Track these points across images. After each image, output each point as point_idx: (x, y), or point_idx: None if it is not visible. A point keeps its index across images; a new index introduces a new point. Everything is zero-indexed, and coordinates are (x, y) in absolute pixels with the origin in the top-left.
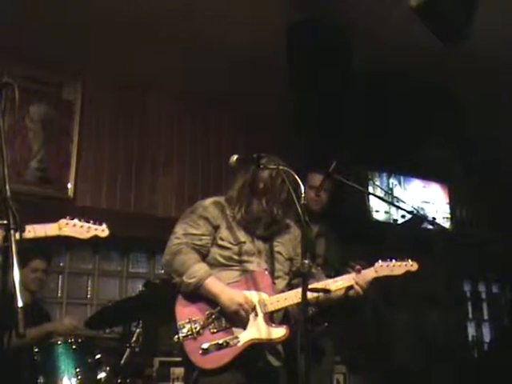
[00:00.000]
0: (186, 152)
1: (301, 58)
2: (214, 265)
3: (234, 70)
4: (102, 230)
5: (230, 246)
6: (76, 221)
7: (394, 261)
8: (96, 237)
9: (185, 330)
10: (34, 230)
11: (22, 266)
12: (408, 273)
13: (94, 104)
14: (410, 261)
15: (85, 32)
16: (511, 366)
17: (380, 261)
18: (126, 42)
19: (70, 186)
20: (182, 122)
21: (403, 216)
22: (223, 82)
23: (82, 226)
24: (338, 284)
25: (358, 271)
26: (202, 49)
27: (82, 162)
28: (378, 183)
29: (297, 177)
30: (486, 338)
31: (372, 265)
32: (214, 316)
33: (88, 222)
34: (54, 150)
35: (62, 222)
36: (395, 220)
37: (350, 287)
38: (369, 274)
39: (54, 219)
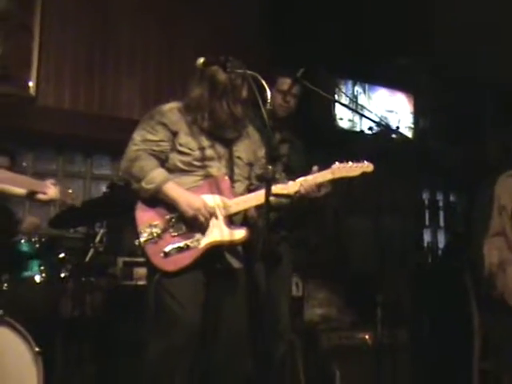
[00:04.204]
0: (151, 52)
1: None
2: (174, 170)
3: None
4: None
5: (189, 151)
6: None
7: (350, 163)
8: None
9: (145, 235)
10: None
11: None
12: (364, 174)
13: (56, 1)
14: (365, 162)
15: None
16: (462, 270)
17: (337, 163)
18: None
19: (31, 84)
20: (147, 19)
21: (370, 128)
22: None
23: None
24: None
25: (314, 173)
26: None
27: (44, 61)
28: (342, 91)
29: (263, 82)
30: (441, 244)
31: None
32: (173, 220)
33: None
34: (13, 46)
35: None
36: (362, 131)
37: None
38: (325, 175)
39: (16, 118)
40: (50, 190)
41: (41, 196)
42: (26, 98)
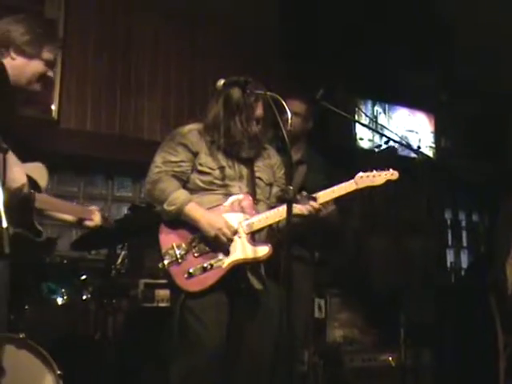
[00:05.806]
0: (172, 74)
1: None
2: (195, 190)
3: None
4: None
5: (209, 171)
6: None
7: (374, 171)
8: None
9: (168, 257)
10: None
11: None
12: (389, 182)
13: (78, 24)
14: (390, 170)
15: None
16: (486, 290)
17: (360, 172)
18: None
19: (53, 107)
20: (168, 43)
21: (379, 146)
22: (210, 2)
23: None
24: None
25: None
26: None
27: (66, 83)
28: (362, 110)
29: (284, 103)
30: (464, 264)
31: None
32: (196, 241)
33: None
34: None
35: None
36: (378, 146)
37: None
38: (349, 186)
39: (38, 141)
40: (96, 217)
41: (88, 223)
42: (49, 121)
